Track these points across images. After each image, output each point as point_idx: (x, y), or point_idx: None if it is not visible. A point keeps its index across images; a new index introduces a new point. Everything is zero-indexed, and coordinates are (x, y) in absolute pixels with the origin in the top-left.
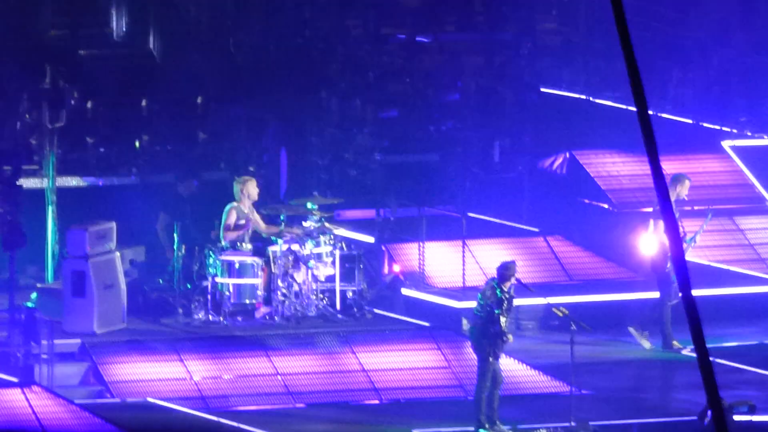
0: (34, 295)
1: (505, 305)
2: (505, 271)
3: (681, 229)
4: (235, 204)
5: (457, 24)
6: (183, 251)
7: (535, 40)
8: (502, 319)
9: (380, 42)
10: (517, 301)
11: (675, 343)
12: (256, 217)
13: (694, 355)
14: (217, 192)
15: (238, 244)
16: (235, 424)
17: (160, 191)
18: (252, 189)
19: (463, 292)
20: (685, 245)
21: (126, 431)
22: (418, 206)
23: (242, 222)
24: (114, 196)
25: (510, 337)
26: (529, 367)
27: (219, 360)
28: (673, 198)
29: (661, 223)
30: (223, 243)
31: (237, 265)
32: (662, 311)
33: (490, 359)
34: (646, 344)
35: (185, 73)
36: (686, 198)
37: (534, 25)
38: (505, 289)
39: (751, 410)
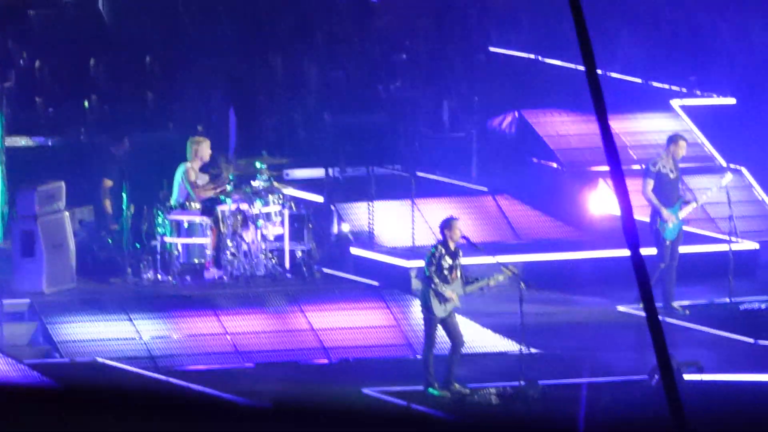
0: None
1: (434, 261)
2: (442, 226)
3: (681, 190)
4: (188, 164)
5: None
6: (131, 211)
7: (483, 1)
8: (434, 275)
9: (329, 2)
10: (465, 260)
11: (675, 304)
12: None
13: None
14: (166, 152)
15: (187, 203)
16: (184, 383)
17: (105, 151)
18: (205, 150)
19: (411, 252)
20: (684, 207)
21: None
22: (367, 166)
23: (199, 182)
24: (63, 156)
25: (451, 294)
26: (479, 326)
27: (168, 320)
28: (668, 159)
29: (649, 182)
30: (173, 202)
31: (186, 225)
32: (661, 271)
33: (430, 316)
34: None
35: (134, 33)
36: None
37: None
38: (451, 247)
39: (700, 370)
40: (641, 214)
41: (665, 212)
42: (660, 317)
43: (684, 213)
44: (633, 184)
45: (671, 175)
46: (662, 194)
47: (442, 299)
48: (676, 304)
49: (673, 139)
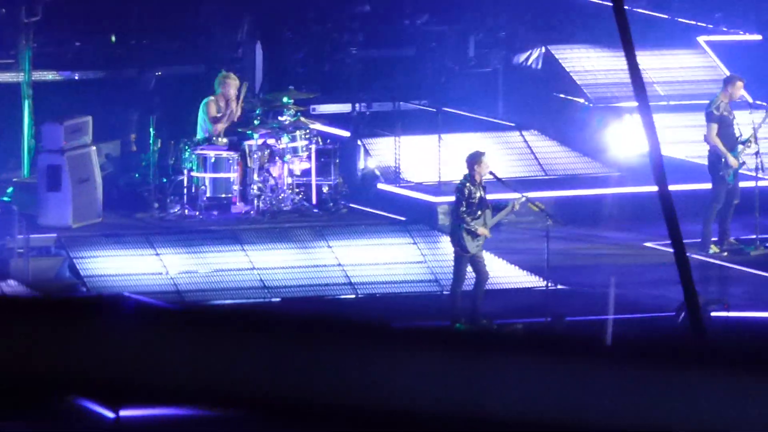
0: (9, 190)
1: (464, 196)
2: (469, 160)
3: (737, 130)
4: (212, 98)
5: None
6: (158, 145)
7: None
8: (462, 210)
9: None
10: (492, 196)
11: (713, 246)
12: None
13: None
14: (192, 86)
15: (214, 138)
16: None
17: (132, 85)
18: (230, 87)
19: (438, 187)
20: (741, 147)
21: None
22: (393, 101)
23: (220, 115)
24: (90, 91)
25: (483, 230)
26: (505, 262)
27: (194, 254)
28: (726, 99)
29: (713, 126)
30: (198, 137)
31: (212, 160)
32: (719, 210)
33: (463, 254)
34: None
35: None
36: (739, 100)
37: None
38: (478, 181)
39: (727, 307)
40: (668, 151)
41: (732, 159)
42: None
43: (741, 155)
44: (660, 120)
45: (730, 117)
46: (725, 138)
47: (474, 236)
48: (732, 239)
49: (730, 80)
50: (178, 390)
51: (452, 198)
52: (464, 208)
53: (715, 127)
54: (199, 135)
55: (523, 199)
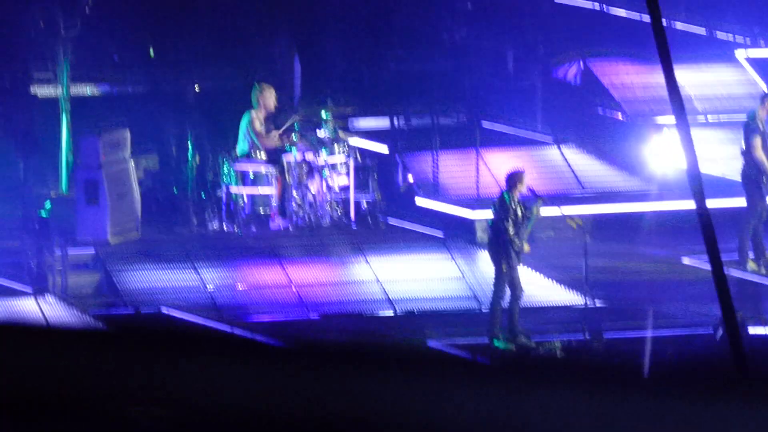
0: (47, 204)
1: (512, 215)
2: (512, 179)
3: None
4: (253, 113)
5: None
6: (197, 160)
7: None
8: (510, 229)
9: None
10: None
11: (750, 262)
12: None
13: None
14: (230, 100)
15: (252, 153)
16: (248, 334)
17: (170, 99)
18: (269, 99)
19: (476, 202)
20: None
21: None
22: (431, 115)
23: (264, 129)
24: (128, 104)
25: (525, 246)
26: (543, 278)
27: (233, 270)
28: (763, 115)
29: (757, 140)
30: (238, 152)
31: (251, 175)
32: (744, 225)
33: (504, 269)
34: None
35: None
36: None
37: None
38: (515, 198)
39: (766, 323)
40: (705, 167)
41: None
42: (725, 270)
43: None
44: (697, 135)
45: (762, 129)
46: (766, 151)
47: (517, 252)
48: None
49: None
50: (214, 410)
51: (490, 213)
52: (509, 225)
53: (759, 140)
54: (239, 149)
55: (540, 203)
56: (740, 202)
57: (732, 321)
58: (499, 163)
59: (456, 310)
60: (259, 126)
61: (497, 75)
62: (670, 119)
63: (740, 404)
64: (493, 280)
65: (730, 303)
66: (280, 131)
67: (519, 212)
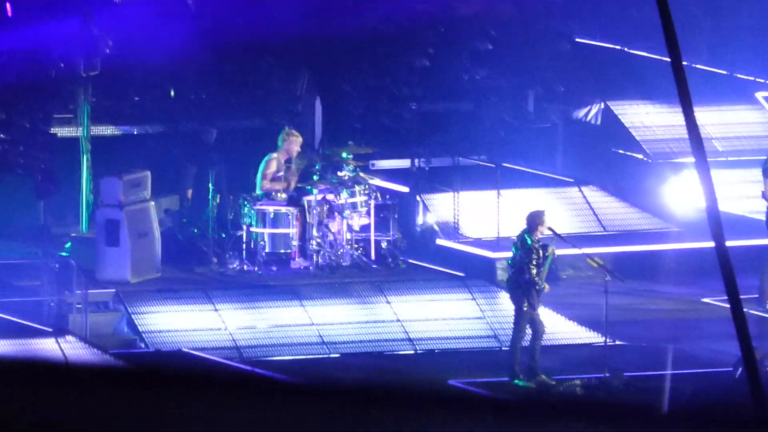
0: (68, 245)
1: (534, 255)
2: (533, 220)
3: None
4: (275, 155)
5: None
6: (218, 200)
7: None
8: (533, 269)
9: None
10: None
11: None
12: (292, 173)
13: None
14: (251, 141)
15: (273, 193)
16: (269, 373)
17: (191, 140)
18: (294, 145)
19: (497, 242)
20: None
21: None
22: (452, 156)
23: (280, 174)
24: (149, 145)
25: (546, 286)
26: (564, 318)
27: (253, 310)
28: None
29: None
30: (258, 192)
31: (272, 215)
32: (765, 263)
33: (525, 309)
34: None
35: (219, 20)
36: None
37: None
38: (536, 239)
39: None
40: (725, 207)
41: None
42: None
43: None
44: (717, 176)
45: None
46: None
47: (539, 292)
48: None
49: None
50: None
51: (510, 254)
52: (530, 264)
53: None
54: (258, 190)
55: (555, 243)
56: (760, 241)
57: (751, 359)
58: (519, 204)
59: (476, 349)
60: (273, 167)
61: (518, 115)
62: (691, 160)
63: None
64: (513, 319)
65: (749, 341)
66: (299, 172)
67: (539, 252)
